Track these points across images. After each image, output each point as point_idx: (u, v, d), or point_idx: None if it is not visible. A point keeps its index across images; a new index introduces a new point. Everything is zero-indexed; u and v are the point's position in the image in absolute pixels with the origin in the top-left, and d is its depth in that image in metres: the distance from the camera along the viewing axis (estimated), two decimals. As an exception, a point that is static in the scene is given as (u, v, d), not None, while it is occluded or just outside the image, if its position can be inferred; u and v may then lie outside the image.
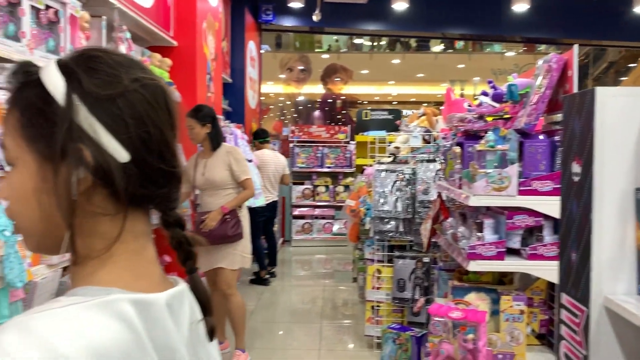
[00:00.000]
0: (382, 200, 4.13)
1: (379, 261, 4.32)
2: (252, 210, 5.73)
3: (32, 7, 2.63)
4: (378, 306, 4.29)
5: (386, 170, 4.17)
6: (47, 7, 2.76)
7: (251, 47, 8.42)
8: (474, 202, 2.33)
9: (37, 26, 2.73)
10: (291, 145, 9.26)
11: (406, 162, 4.35)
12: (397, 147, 4.44)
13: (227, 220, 3.75)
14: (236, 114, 7.65)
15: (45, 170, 0.65)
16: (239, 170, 3.84)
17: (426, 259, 4.06)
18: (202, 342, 0.73)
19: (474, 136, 2.79)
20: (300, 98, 13.18)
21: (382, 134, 6.14)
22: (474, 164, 2.43)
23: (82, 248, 0.66)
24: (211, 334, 0.75)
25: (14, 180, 0.67)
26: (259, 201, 5.41)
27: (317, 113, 12.92)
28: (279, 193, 6.95)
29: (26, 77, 0.68)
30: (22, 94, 0.67)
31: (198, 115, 3.87)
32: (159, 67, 4.72)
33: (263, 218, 6.25)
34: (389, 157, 4.55)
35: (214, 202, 3.84)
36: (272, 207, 6.61)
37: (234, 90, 7.74)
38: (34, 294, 2.51)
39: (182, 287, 0.71)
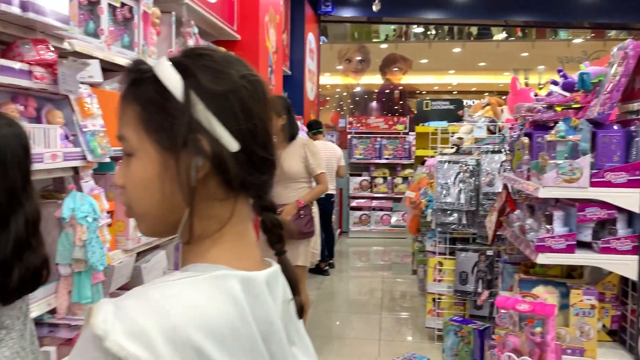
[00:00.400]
0: (444, 192, 4.09)
1: (440, 254, 4.28)
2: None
3: (109, 5, 2.77)
4: (439, 299, 4.26)
5: (449, 162, 4.12)
6: (123, 4, 2.89)
7: (310, 39, 8.47)
8: (543, 193, 2.28)
9: (114, 23, 2.87)
10: (349, 136, 9.28)
11: (470, 153, 4.28)
12: (460, 138, 4.38)
13: (302, 216, 3.73)
14: (295, 106, 7.70)
15: (167, 159, 0.71)
16: (314, 164, 3.83)
17: (490, 252, 3.99)
18: (292, 319, 0.78)
19: (543, 126, 2.72)
20: (357, 89, 13.15)
21: (443, 124, 6.06)
22: (544, 154, 2.37)
23: (197, 229, 0.72)
24: (300, 311, 0.79)
25: (133, 169, 0.73)
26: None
27: (373, 104, 12.85)
28: (336, 185, 6.97)
29: (140, 74, 0.74)
30: (139, 90, 0.73)
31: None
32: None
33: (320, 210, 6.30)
34: (452, 148, 4.49)
35: (287, 195, 3.75)
36: (328, 199, 6.61)
37: (293, 83, 7.82)
38: (112, 277, 2.66)
39: (276, 267, 0.77)
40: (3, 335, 1.45)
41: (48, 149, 2.17)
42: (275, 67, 5.82)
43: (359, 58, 11.13)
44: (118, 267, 2.72)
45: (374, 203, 9.08)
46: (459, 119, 6.65)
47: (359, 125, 9.35)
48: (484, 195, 3.99)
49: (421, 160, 6.63)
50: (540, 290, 2.39)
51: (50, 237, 2.37)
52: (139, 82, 0.74)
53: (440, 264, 4.26)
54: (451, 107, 6.87)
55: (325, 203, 6.49)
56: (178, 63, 0.73)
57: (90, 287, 2.37)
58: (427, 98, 8.74)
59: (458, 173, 4.08)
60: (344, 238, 8.89)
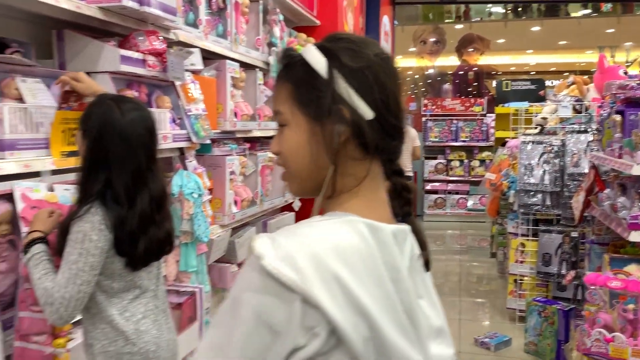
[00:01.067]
0: (527, 173, 4.04)
1: (522, 235, 4.25)
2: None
3: (207, -4, 2.95)
4: (521, 280, 4.24)
5: (533, 142, 4.06)
6: (218, -5, 3.07)
7: (385, 21, 8.45)
8: (637, 171, 2.25)
9: (209, 13, 3.06)
10: (423, 119, 9.22)
11: (554, 134, 4.20)
12: (544, 118, 4.30)
13: None
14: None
15: (314, 127, 0.85)
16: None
17: (574, 234, 3.93)
18: (420, 272, 0.88)
19: (636, 104, 2.66)
20: (430, 71, 12.96)
21: (524, 105, 5.92)
22: (637, 132, 2.33)
23: (339, 185, 0.85)
24: (427, 265, 0.89)
25: (287, 137, 0.87)
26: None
27: (446, 86, 12.61)
28: (412, 167, 6.98)
29: (290, 59, 0.89)
30: (290, 72, 0.88)
31: None
32: (304, 46, 4.97)
33: None
34: (535, 128, 4.41)
35: None
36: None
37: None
38: (211, 249, 2.87)
39: (405, 226, 0.87)
40: (138, 294, 1.65)
41: (160, 131, 2.39)
42: (352, 51, 5.90)
43: (433, 39, 10.96)
44: (217, 240, 2.93)
45: (450, 186, 9.01)
46: (541, 99, 6.47)
47: (434, 107, 9.26)
48: (569, 176, 3.91)
49: (501, 142, 6.51)
50: (632, 269, 2.37)
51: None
52: (290, 65, 0.88)
53: (523, 245, 4.23)
54: (532, 87, 6.68)
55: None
56: (322, 47, 0.87)
57: (195, 257, 2.59)
58: (505, 79, 8.52)
59: (542, 154, 4.02)
60: (418, 221, 8.88)
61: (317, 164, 0.85)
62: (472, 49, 11.39)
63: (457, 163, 8.99)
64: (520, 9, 13.10)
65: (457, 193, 8.99)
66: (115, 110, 1.55)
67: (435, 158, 9.08)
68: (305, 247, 0.75)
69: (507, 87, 6.75)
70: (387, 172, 0.90)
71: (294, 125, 0.87)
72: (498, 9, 13.24)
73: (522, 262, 4.24)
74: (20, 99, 1.86)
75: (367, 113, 0.83)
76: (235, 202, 3.23)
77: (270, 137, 4.29)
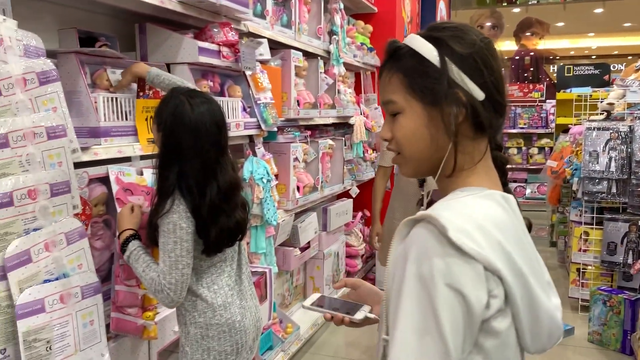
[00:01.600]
0: (592, 160, 3.96)
1: (586, 223, 4.16)
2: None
3: (273, -13, 3.03)
4: (584, 269, 4.16)
5: (598, 129, 3.97)
6: (283, -14, 3.15)
7: (441, 7, 8.33)
8: None
9: (275, 4, 3.15)
10: (480, 106, 9.04)
11: (622, 119, 4.08)
12: (610, 104, 4.18)
13: None
14: (426, 76, 7.71)
15: (431, 111, 0.92)
16: None
17: (642, 222, 3.82)
18: (526, 233, 0.96)
19: None
20: None
21: (587, 90, 5.74)
22: None
23: (459, 163, 0.93)
24: (529, 228, 0.99)
25: (403, 124, 0.94)
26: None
27: (504, 71, 12.27)
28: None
29: (397, 50, 0.95)
30: (399, 63, 0.94)
31: None
32: (362, 34, 5.01)
33: None
34: (601, 114, 4.30)
35: None
36: None
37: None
38: (277, 232, 2.98)
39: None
40: (223, 268, 1.76)
41: (233, 119, 2.50)
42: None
43: (490, 24, 10.70)
44: (282, 224, 3.04)
45: (508, 174, 8.82)
46: (605, 84, 6.25)
47: (490, 94, 9.07)
48: (637, 163, 3.80)
49: (562, 129, 6.35)
50: None
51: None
52: (398, 56, 0.95)
53: (586, 234, 4.15)
54: (596, 72, 6.46)
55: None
56: (429, 37, 0.93)
57: (264, 239, 2.70)
58: (565, 63, 8.25)
59: (608, 140, 3.92)
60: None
61: (436, 144, 0.92)
62: (531, 33, 11.06)
63: (514, 150, 8.80)
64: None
65: (514, 181, 8.80)
66: (186, 104, 1.63)
67: (491, 145, 8.90)
68: (469, 219, 0.83)
69: (569, 72, 6.55)
70: (491, 147, 0.98)
71: (410, 112, 0.93)
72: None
73: (585, 250, 4.16)
74: (110, 90, 2.00)
75: (479, 94, 0.90)
76: (298, 188, 3.33)
77: (330, 125, 4.36)
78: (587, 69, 6.53)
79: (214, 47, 2.35)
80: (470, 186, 0.93)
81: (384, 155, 3.18)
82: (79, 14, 2.22)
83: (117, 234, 1.71)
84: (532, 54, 11.20)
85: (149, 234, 1.66)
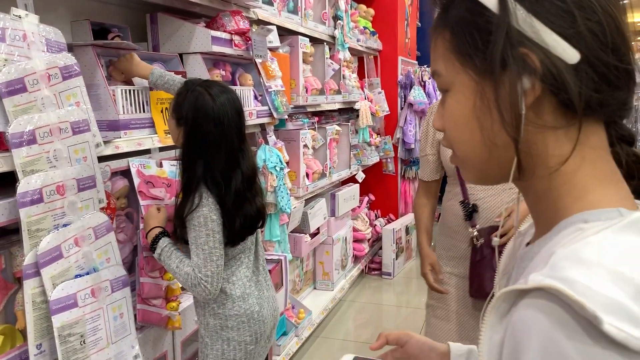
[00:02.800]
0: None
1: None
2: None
3: (280, -27, 3.01)
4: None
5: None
6: (290, -29, 3.12)
7: (439, -12, 8.27)
8: None
9: (281, -10, 3.12)
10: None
11: None
12: None
13: None
14: (424, 59, 7.67)
15: (484, 87, 0.58)
16: None
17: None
18: None
19: None
20: None
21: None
22: None
23: (534, 167, 0.60)
24: None
25: (450, 106, 0.63)
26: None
27: None
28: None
29: None
30: (448, 14, 0.62)
31: None
32: (364, 18, 4.98)
33: None
34: None
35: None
36: None
37: (422, 34, 7.73)
38: (289, 220, 3.00)
39: None
40: (242, 259, 1.77)
41: (246, 107, 2.49)
42: (410, 19, 5.85)
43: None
44: (293, 211, 3.05)
45: None
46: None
47: None
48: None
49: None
50: None
51: (242, 185, 2.71)
52: (447, 6, 0.63)
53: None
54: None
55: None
56: None
57: (278, 227, 2.71)
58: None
59: None
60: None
61: (495, 141, 0.59)
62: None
63: None
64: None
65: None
66: (206, 95, 1.62)
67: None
68: (622, 282, 0.47)
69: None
70: (609, 138, 0.62)
71: (456, 88, 0.62)
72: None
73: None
74: (126, 82, 1.99)
75: (569, 54, 0.55)
76: (307, 175, 3.34)
77: (334, 111, 4.36)
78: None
79: (226, 35, 2.33)
80: (598, 207, 0.56)
81: (423, 164, 2.13)
82: (88, 4, 2.20)
83: (145, 232, 1.70)
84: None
85: (177, 231, 1.65)
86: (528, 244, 0.68)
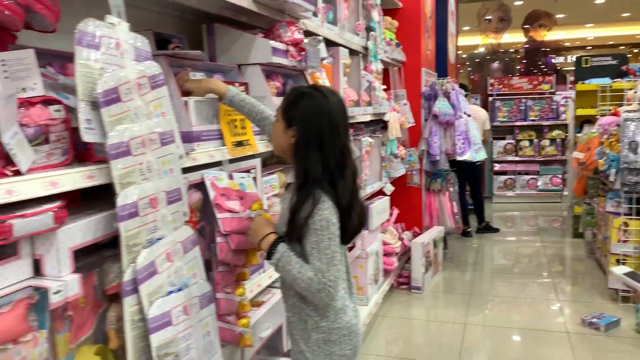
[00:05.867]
0: (631, 151, 3.94)
1: (625, 214, 4.16)
2: (469, 164, 5.80)
3: (324, -15, 2.98)
4: (624, 260, 4.16)
5: (637, 119, 3.95)
6: (332, -17, 3.10)
7: (451, 1, 8.31)
8: None
9: (323, 2, 3.10)
10: (490, 99, 9.06)
11: (660, 109, 4.06)
12: (647, 94, 4.16)
13: None
14: (439, 70, 7.68)
15: None
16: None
17: (684, 212, 3.80)
18: None
19: None
20: (478, 51, 12.62)
21: (606, 81, 5.75)
22: None
23: None
24: None
25: None
26: (480, 155, 5.46)
27: (495, 65, 12.21)
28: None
29: None
30: None
31: None
32: (389, 30, 4.97)
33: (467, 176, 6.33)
34: (638, 104, 4.28)
35: None
36: (474, 164, 6.33)
37: (436, 46, 7.76)
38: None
39: None
40: (341, 270, 1.72)
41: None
42: (430, 32, 5.85)
43: (499, 16, 10.70)
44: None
45: (519, 167, 8.85)
46: (624, 74, 6.26)
47: (500, 86, 9.09)
48: (678, 152, 3.79)
49: (582, 120, 6.36)
50: None
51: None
52: None
53: (626, 224, 4.14)
54: (614, 62, 6.47)
55: (471, 168, 6.41)
56: None
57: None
58: (580, 55, 8.24)
59: (647, 130, 3.91)
60: (487, 203, 8.78)
61: None
62: (539, 25, 11.08)
63: (526, 143, 8.81)
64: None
65: (526, 173, 8.82)
66: (319, 95, 1.63)
67: (503, 138, 8.92)
68: None
69: (587, 64, 6.55)
70: None
71: None
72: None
73: (625, 241, 4.15)
74: (188, 93, 1.95)
75: None
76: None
77: (368, 123, 4.32)
78: (605, 60, 6.54)
79: (282, 46, 2.30)
80: None
81: None
82: (144, 14, 2.16)
83: (258, 240, 1.67)
84: (528, 45, 11.19)
85: (292, 236, 1.61)
86: None
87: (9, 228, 1.06)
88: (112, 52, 1.35)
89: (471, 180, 6.72)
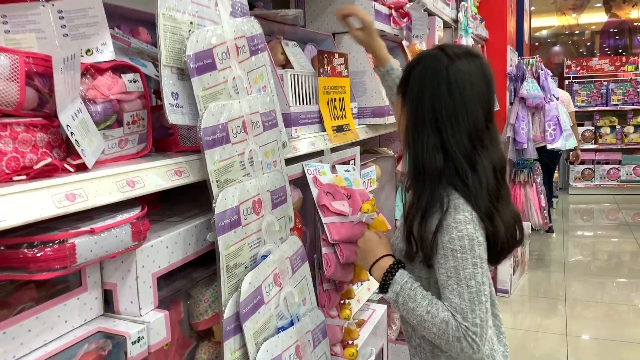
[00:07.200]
0: None
1: None
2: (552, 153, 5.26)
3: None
4: None
5: None
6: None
7: (526, -24, 7.67)
8: None
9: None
10: (566, 82, 8.36)
11: None
12: None
13: None
14: (517, 50, 7.12)
15: None
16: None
17: None
18: None
19: None
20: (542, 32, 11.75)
21: None
22: None
23: None
24: None
25: None
26: (570, 142, 4.91)
27: (557, 48, 11.33)
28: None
29: None
30: None
31: None
32: (472, 3, 4.48)
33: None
34: None
35: None
36: (556, 151, 5.71)
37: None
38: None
39: None
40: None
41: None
42: (512, 7, 5.31)
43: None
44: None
45: (599, 155, 8.14)
46: None
47: (579, 68, 8.37)
48: None
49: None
50: None
51: (383, 192, 2.29)
52: None
53: None
54: None
55: (555, 157, 5.84)
56: None
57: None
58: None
59: None
60: (563, 195, 8.13)
61: None
62: (623, 1, 10.17)
63: (607, 130, 8.09)
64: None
65: (607, 163, 8.10)
66: (442, 57, 1.17)
67: (582, 124, 8.21)
68: None
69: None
70: None
71: None
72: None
73: None
74: (283, 65, 1.59)
75: None
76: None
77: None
78: None
79: (385, 10, 1.90)
80: None
81: None
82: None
83: (369, 265, 1.23)
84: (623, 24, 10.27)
85: (415, 257, 1.18)
86: None
87: (72, 251, 0.71)
88: (204, 2, 0.99)
89: (549, 171, 6.14)
